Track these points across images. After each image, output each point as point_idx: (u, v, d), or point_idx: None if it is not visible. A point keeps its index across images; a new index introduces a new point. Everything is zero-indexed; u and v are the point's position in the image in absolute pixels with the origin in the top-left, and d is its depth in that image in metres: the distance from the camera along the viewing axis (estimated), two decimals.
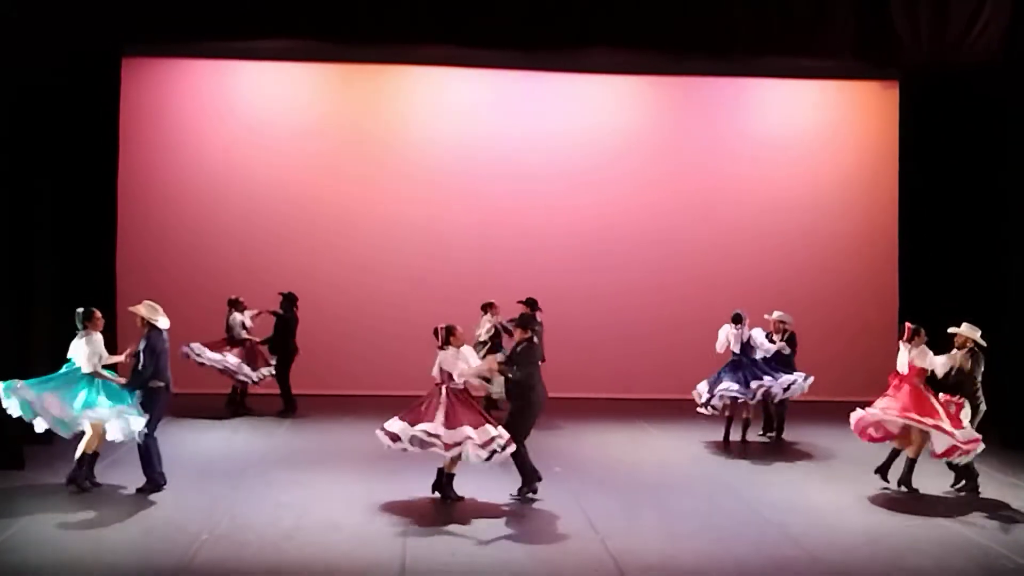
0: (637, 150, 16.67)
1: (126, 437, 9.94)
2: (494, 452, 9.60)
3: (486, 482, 10.24)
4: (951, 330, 10.68)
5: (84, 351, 9.89)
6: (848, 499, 10.41)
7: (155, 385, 9.94)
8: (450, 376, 9.86)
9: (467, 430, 9.57)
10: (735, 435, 12.99)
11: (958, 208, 14.88)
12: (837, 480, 11.21)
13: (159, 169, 15.94)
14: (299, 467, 11.20)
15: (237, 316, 14.21)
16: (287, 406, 14.30)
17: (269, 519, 9.16)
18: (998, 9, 13.14)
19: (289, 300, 14.34)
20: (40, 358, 11.35)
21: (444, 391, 9.82)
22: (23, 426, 10.84)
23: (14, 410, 9.84)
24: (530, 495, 10.04)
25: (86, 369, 9.89)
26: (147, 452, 9.99)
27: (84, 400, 9.82)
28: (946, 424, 10.20)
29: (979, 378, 10.53)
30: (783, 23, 13.21)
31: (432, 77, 16.44)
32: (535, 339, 10.31)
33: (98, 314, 10.08)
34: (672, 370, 15.68)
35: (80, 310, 10.04)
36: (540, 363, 10.45)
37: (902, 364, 10.68)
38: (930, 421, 10.21)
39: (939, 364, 10.59)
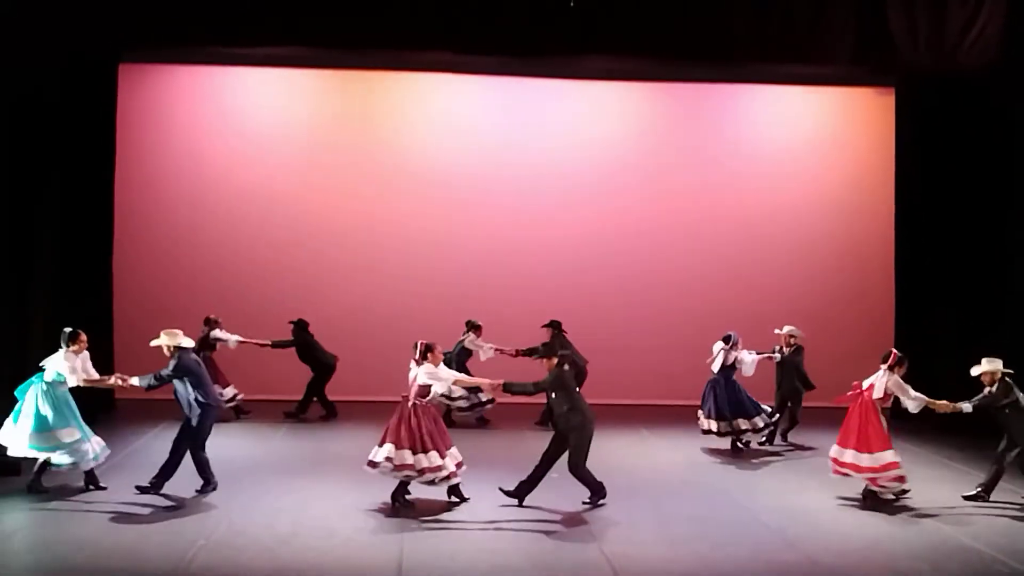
0: (634, 157, 16.66)
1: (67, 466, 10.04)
2: (433, 482, 9.86)
3: (484, 486, 10.24)
4: (975, 371, 10.48)
5: (66, 367, 9.91)
6: (845, 504, 10.41)
7: (204, 403, 10.10)
8: (422, 392, 9.93)
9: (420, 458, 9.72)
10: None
11: (955, 214, 14.89)
12: (835, 485, 11.16)
13: (156, 175, 15.94)
14: (295, 472, 11.20)
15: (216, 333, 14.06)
16: (328, 412, 14.51)
17: (265, 524, 9.17)
18: (994, 14, 13.18)
19: (300, 327, 14.36)
20: (38, 361, 11.36)
21: (409, 407, 9.91)
22: None
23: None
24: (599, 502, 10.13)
25: (71, 383, 9.94)
26: (200, 462, 10.17)
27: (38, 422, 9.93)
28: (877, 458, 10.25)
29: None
30: (781, 29, 13.23)
31: (430, 84, 16.44)
32: (565, 366, 10.23)
33: (83, 336, 10.12)
34: (670, 377, 15.70)
35: (67, 330, 10.07)
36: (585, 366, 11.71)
37: (875, 383, 10.47)
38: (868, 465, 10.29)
39: (911, 405, 10.38)
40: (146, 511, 9.52)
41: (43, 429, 9.82)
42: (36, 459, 9.95)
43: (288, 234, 16.16)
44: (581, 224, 16.46)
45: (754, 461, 12.48)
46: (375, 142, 16.43)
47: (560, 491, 10.42)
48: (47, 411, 9.84)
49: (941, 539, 9.28)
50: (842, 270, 16.80)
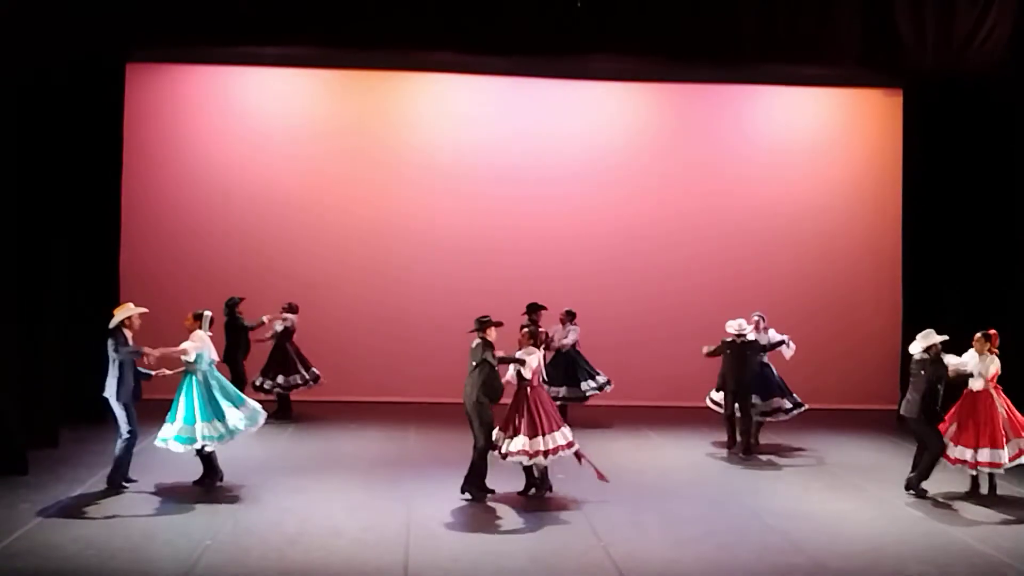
0: (641, 157, 16.66)
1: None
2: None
3: (490, 486, 10.24)
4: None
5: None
6: (851, 506, 10.41)
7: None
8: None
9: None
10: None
11: (962, 215, 14.87)
12: (840, 487, 11.20)
13: (163, 175, 15.95)
14: (302, 473, 11.21)
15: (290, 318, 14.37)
16: None
17: (272, 525, 9.18)
18: (1003, 15, 13.16)
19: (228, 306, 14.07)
20: (47, 363, 11.38)
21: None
22: (26, 431, 10.87)
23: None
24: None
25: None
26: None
27: None
28: None
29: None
30: (788, 30, 13.23)
31: (436, 83, 16.45)
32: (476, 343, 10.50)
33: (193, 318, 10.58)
34: (676, 377, 15.68)
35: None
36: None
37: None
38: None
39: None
40: (152, 511, 9.54)
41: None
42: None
43: (293, 233, 16.16)
44: (587, 224, 16.45)
45: (759, 463, 12.46)
46: (382, 142, 16.43)
47: (566, 492, 10.44)
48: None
49: (948, 541, 9.26)
50: (849, 271, 16.77)
